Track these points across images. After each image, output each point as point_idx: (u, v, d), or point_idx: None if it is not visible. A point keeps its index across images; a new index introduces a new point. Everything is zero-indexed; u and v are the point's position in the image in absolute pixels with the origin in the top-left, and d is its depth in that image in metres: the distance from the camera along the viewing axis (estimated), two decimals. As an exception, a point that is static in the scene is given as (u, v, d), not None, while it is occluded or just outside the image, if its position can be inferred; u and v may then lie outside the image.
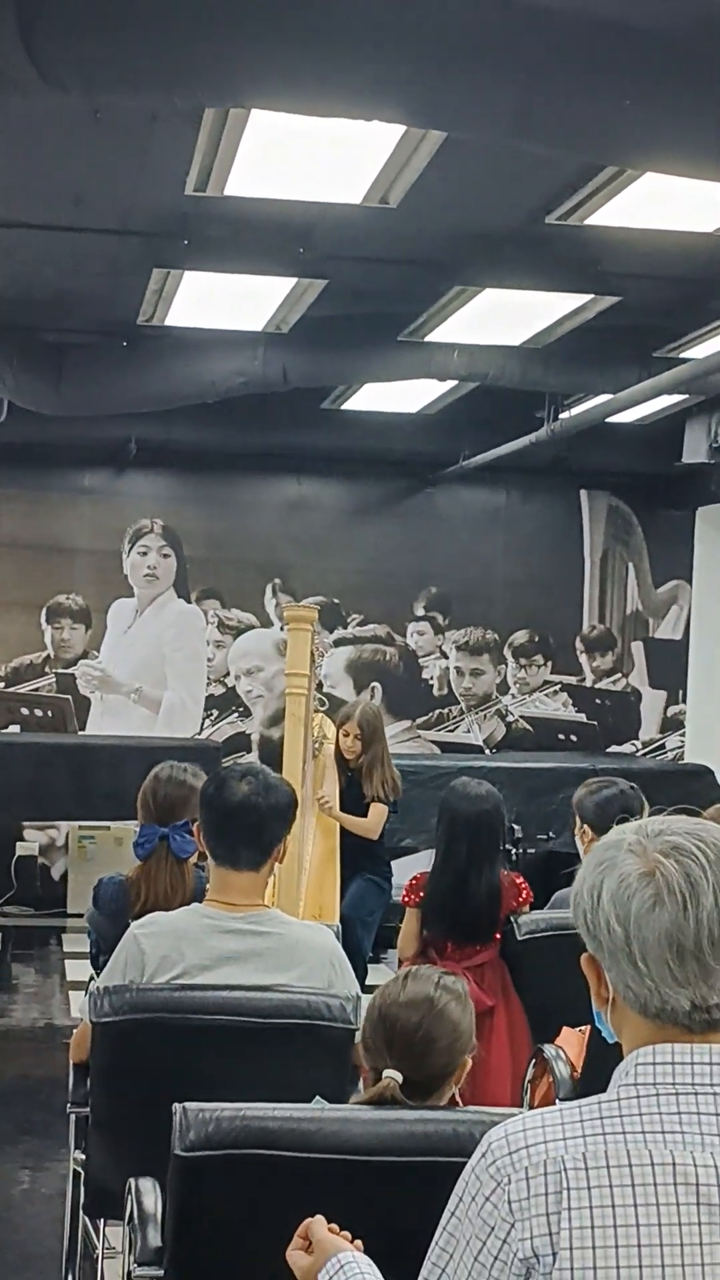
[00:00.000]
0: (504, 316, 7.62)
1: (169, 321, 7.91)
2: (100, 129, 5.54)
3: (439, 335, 8.04)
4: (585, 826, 5.49)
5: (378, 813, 7.66)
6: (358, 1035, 3.33)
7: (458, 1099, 3.11)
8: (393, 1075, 2.92)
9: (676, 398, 9.34)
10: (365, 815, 7.63)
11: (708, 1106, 1.97)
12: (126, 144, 5.75)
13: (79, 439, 10.70)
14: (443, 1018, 2.97)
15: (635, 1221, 1.90)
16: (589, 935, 2.07)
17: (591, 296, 7.23)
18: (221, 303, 7.55)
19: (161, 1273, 2.99)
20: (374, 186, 5.59)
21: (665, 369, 7.97)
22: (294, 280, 7.05)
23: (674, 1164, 1.93)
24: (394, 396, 9.90)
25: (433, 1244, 2.06)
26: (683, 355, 8.32)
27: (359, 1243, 2.52)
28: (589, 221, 6.05)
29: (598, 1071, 2.08)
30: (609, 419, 9.42)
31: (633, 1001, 2.02)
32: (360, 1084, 3.32)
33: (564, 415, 9.53)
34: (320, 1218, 2.54)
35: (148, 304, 7.66)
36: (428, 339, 8.14)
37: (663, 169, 4.78)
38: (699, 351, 8.18)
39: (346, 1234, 2.53)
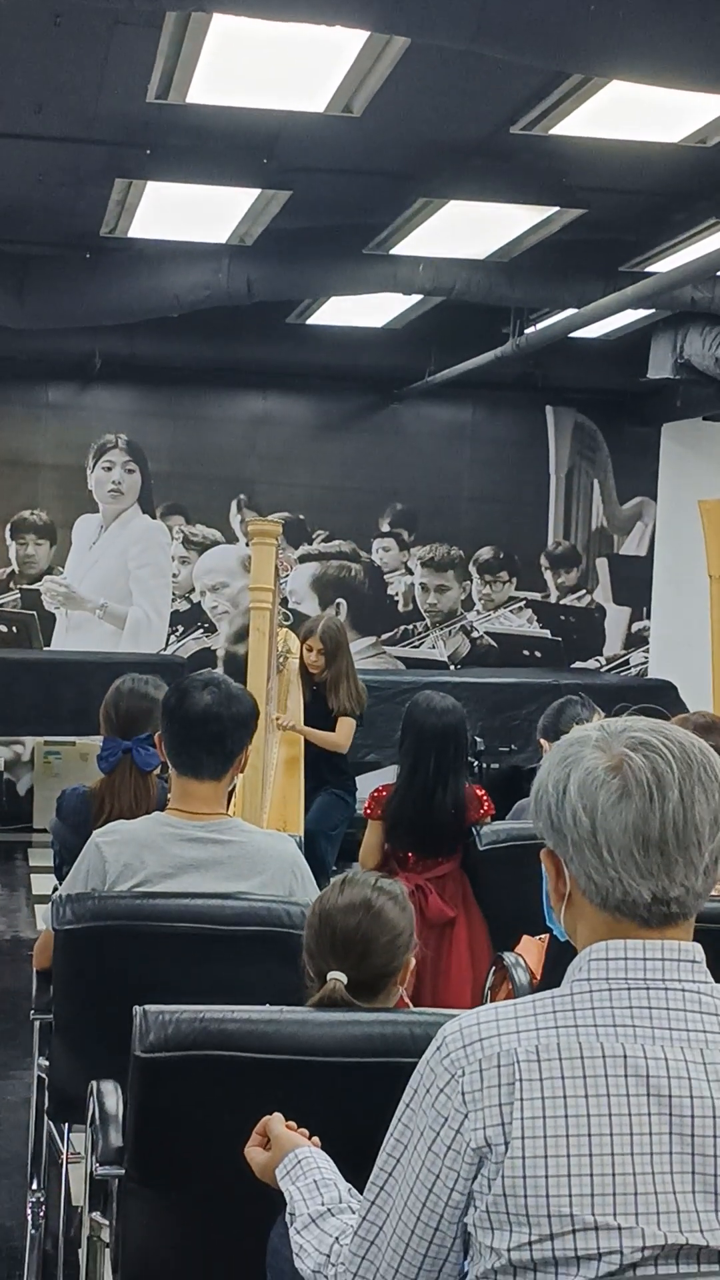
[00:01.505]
0: (469, 229, 7.59)
1: (132, 233, 7.85)
2: (61, 35, 5.48)
3: (404, 248, 8.01)
4: (543, 741, 5.60)
5: (346, 726, 7.69)
6: None
7: (406, 1001, 3.14)
8: (337, 976, 2.96)
9: (642, 312, 9.32)
10: (332, 729, 7.66)
11: (659, 1001, 2.00)
12: (88, 51, 5.69)
13: (42, 353, 10.62)
14: (380, 918, 3.01)
15: (586, 1112, 1.93)
16: (552, 829, 2.09)
17: (557, 209, 7.21)
18: (185, 214, 7.50)
19: (122, 1172, 3.02)
20: (337, 95, 5.56)
21: (631, 283, 7.95)
22: (258, 191, 7.00)
23: (625, 1056, 1.96)
24: (359, 311, 9.86)
25: (387, 1136, 2.09)
26: (648, 269, 8.30)
27: (316, 1139, 2.55)
28: (554, 132, 6.01)
29: (557, 977, 2.10)
30: (575, 335, 9.40)
31: (594, 893, 2.05)
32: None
33: (529, 330, 9.50)
34: (278, 1115, 2.58)
35: (110, 215, 7.60)
36: (393, 252, 8.10)
37: (628, 77, 4.74)
38: (664, 265, 8.15)
39: (304, 1131, 2.57)
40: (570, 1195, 1.92)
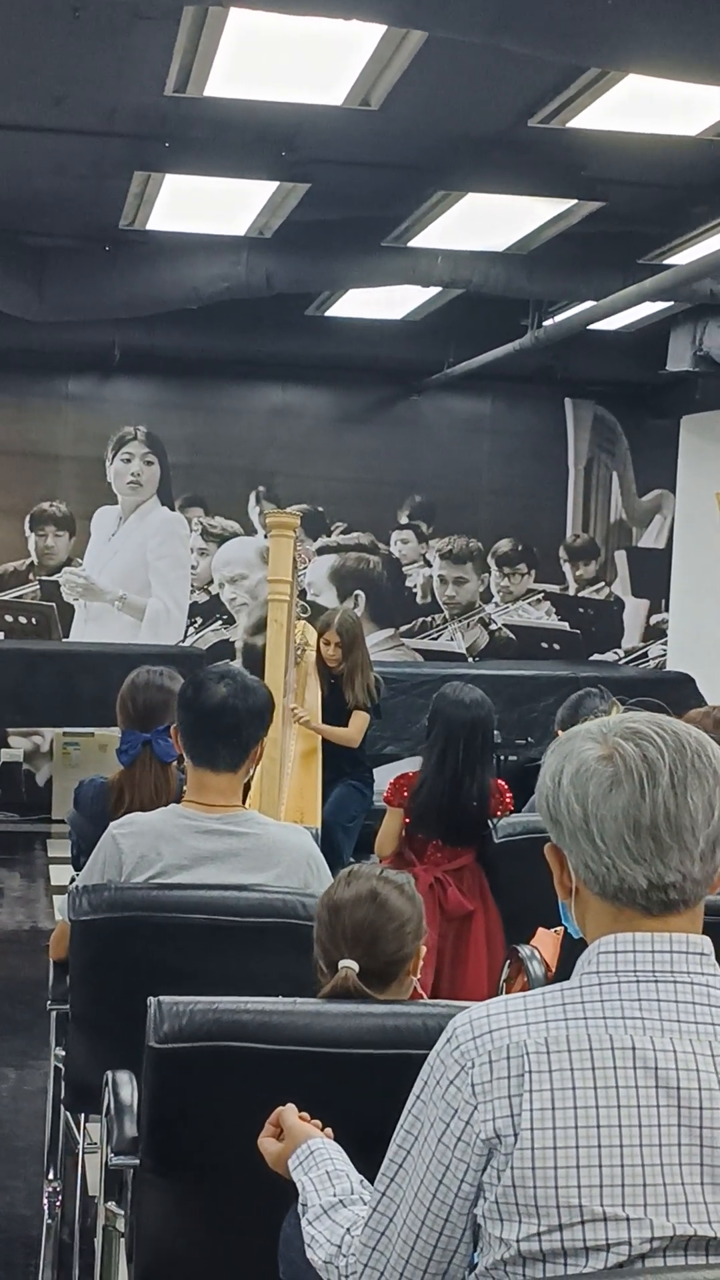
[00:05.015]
0: (488, 222, 7.58)
1: (151, 226, 7.86)
2: (81, 28, 5.49)
3: (423, 240, 8.01)
4: (560, 733, 5.60)
5: (359, 720, 7.70)
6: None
7: (420, 992, 3.15)
8: (349, 965, 2.97)
9: (661, 305, 9.31)
10: (347, 722, 7.66)
11: (667, 994, 2.01)
12: (107, 44, 5.70)
13: (62, 345, 10.64)
14: (386, 906, 3.03)
15: (595, 1104, 1.95)
16: (551, 821, 2.11)
17: (575, 201, 7.20)
18: (204, 207, 7.51)
19: (137, 1162, 3.04)
20: (355, 88, 5.56)
21: (649, 275, 7.94)
22: (276, 184, 7.01)
23: (634, 1048, 1.97)
24: (378, 303, 9.86)
25: (398, 1127, 2.11)
26: (667, 262, 8.30)
27: (329, 1130, 2.57)
28: (572, 125, 6.01)
29: (571, 970, 2.12)
30: (594, 327, 9.38)
31: (592, 882, 2.07)
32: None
33: (548, 322, 9.49)
34: (291, 1106, 2.59)
35: (130, 207, 7.61)
36: (411, 244, 8.10)
37: (646, 70, 4.74)
38: (683, 258, 8.15)
39: (317, 1122, 2.58)
40: (579, 1186, 1.93)
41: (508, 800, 5.90)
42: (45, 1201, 4.58)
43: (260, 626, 11.49)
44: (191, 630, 12.18)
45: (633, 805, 2.03)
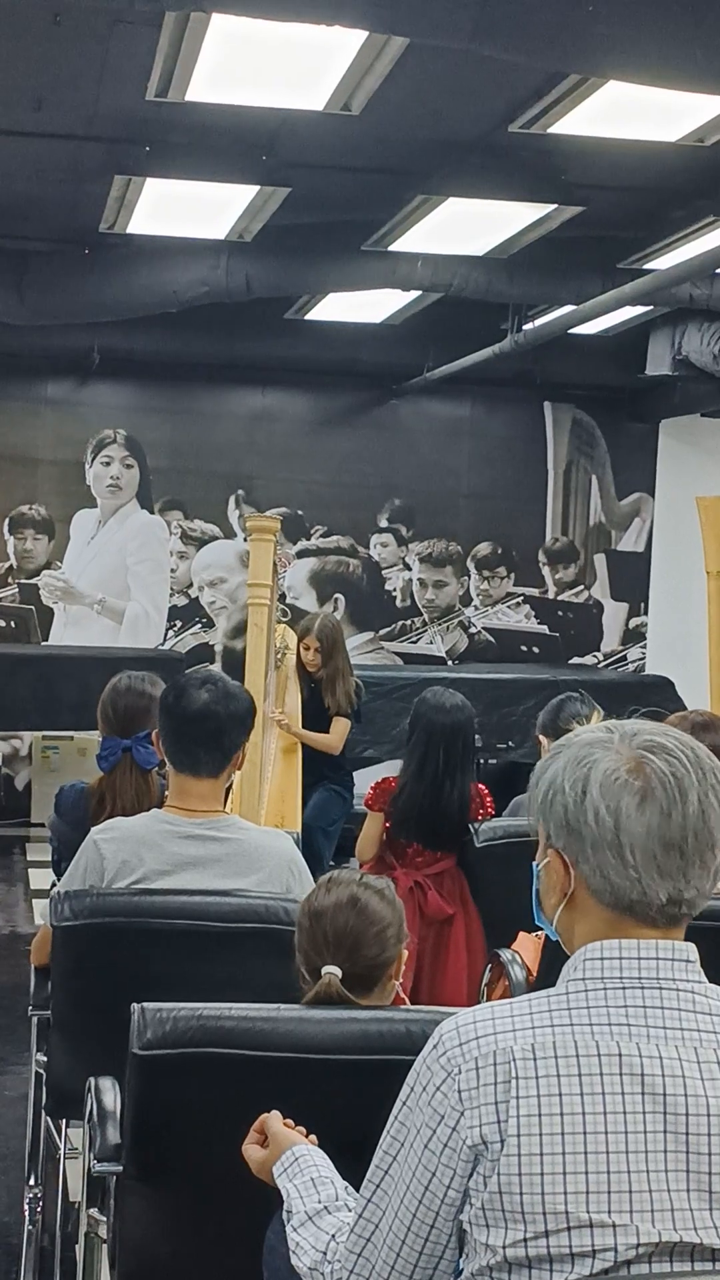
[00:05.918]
0: (468, 226, 7.59)
1: (131, 229, 7.85)
2: (61, 33, 5.49)
3: (402, 245, 8.01)
4: (542, 737, 5.61)
5: (340, 727, 7.69)
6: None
7: (403, 997, 3.16)
8: (332, 971, 2.98)
9: (640, 309, 9.33)
10: (327, 727, 7.66)
11: (654, 1000, 2.02)
12: (88, 49, 5.70)
13: (41, 348, 10.62)
14: (366, 911, 3.04)
15: (581, 1110, 1.95)
16: (567, 830, 2.09)
17: (555, 206, 7.20)
18: (184, 211, 7.51)
19: (120, 1168, 3.03)
20: (336, 93, 5.56)
21: (629, 280, 7.95)
22: (256, 188, 7.01)
23: (620, 1055, 1.97)
24: (358, 306, 9.86)
25: (384, 1134, 2.11)
26: (646, 266, 8.31)
27: (313, 1137, 2.57)
28: (552, 130, 6.02)
29: (553, 974, 2.12)
30: (573, 331, 9.40)
31: (606, 893, 2.07)
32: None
33: (528, 326, 9.50)
34: (276, 1113, 2.59)
35: (110, 211, 7.61)
36: (391, 248, 8.10)
37: (625, 77, 4.75)
38: (662, 262, 8.16)
39: (301, 1129, 2.58)
40: (565, 1193, 1.93)
41: (488, 804, 5.90)
42: (26, 1208, 4.58)
43: (240, 630, 11.48)
44: (171, 634, 12.16)
45: (664, 821, 2.03)
